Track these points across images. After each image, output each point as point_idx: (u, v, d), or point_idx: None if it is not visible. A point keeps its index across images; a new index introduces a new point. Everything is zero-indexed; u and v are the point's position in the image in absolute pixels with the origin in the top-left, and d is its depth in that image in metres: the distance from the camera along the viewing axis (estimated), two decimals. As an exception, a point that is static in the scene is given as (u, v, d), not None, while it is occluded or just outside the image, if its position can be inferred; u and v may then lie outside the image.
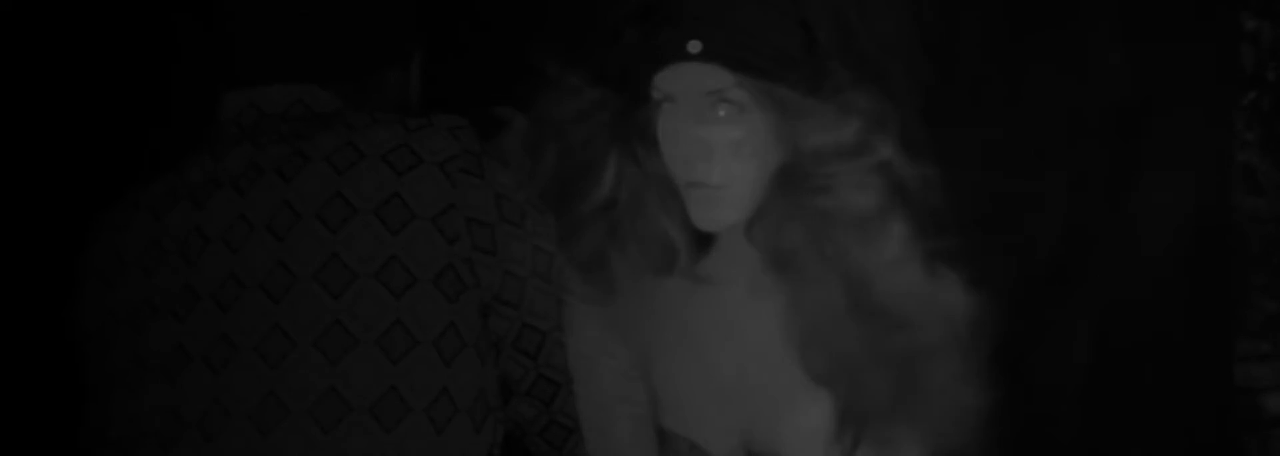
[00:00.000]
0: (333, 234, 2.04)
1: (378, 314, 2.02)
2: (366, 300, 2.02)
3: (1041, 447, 3.52)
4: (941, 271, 2.24)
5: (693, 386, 2.53)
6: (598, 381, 2.18)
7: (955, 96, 3.41)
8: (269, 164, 2.09)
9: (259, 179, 2.09)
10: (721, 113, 1.97)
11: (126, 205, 2.16)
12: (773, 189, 2.07)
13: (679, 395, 2.58)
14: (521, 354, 2.10)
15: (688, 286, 2.26)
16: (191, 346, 2.04)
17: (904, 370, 2.21)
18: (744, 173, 2.06)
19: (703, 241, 2.23)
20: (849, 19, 1.92)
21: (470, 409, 2.05)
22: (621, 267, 2.18)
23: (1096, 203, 3.48)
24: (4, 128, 2.97)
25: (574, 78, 2.09)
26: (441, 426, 2.02)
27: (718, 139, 2.00)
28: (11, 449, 2.94)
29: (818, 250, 2.08)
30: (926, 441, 2.25)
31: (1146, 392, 3.55)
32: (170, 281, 2.08)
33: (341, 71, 2.18)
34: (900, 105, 1.94)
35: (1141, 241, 3.51)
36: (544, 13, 2.43)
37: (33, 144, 2.96)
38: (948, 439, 2.23)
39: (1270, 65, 3.74)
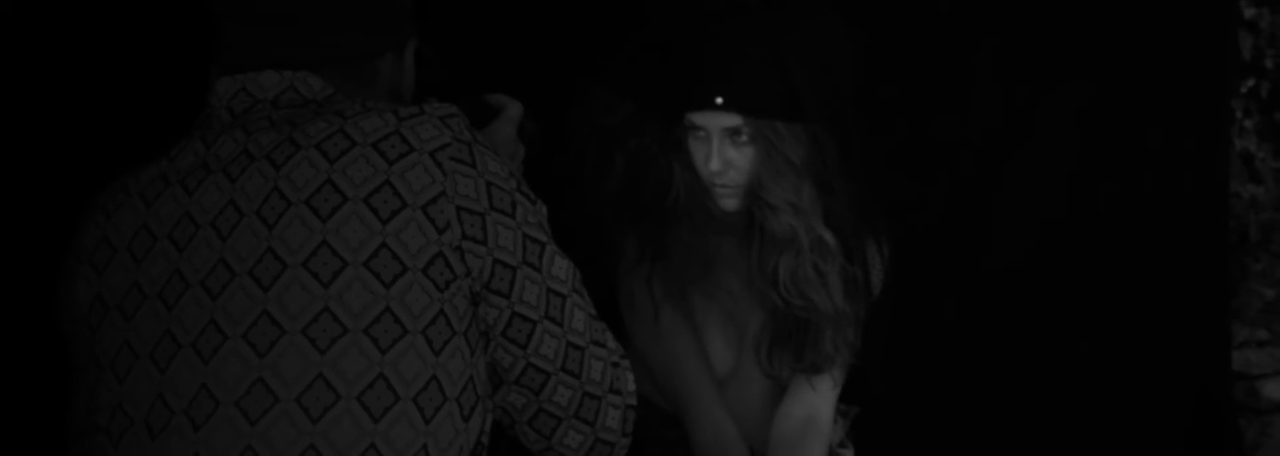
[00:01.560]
0: (323, 222, 2.04)
1: (367, 302, 2.02)
2: (356, 288, 2.02)
3: (1043, 438, 3.52)
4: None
5: (698, 380, 2.70)
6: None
7: (947, 86, 3.41)
8: (260, 150, 2.09)
9: (250, 165, 2.08)
10: (743, 138, 2.73)
11: (116, 190, 2.15)
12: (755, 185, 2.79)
13: (680, 392, 2.72)
14: (511, 343, 2.10)
15: (704, 289, 2.84)
16: (180, 333, 2.04)
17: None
18: (746, 168, 2.78)
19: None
20: (816, 74, 2.71)
21: (459, 397, 2.05)
22: (664, 277, 2.81)
23: (1093, 191, 3.48)
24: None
25: (607, 93, 2.79)
26: (430, 415, 2.02)
27: (736, 155, 2.75)
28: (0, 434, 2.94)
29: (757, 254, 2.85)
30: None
31: (1145, 380, 3.55)
32: (159, 268, 2.08)
33: (335, 58, 2.17)
34: (849, 132, 2.73)
35: (1138, 229, 3.51)
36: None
37: (21, 129, 2.95)
38: None
39: (1269, 53, 3.73)
